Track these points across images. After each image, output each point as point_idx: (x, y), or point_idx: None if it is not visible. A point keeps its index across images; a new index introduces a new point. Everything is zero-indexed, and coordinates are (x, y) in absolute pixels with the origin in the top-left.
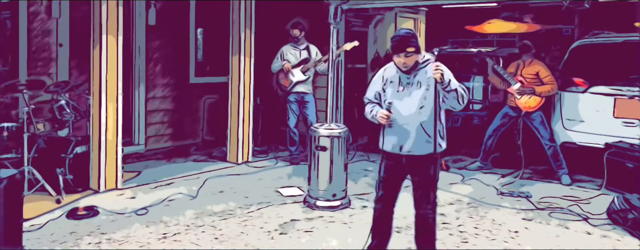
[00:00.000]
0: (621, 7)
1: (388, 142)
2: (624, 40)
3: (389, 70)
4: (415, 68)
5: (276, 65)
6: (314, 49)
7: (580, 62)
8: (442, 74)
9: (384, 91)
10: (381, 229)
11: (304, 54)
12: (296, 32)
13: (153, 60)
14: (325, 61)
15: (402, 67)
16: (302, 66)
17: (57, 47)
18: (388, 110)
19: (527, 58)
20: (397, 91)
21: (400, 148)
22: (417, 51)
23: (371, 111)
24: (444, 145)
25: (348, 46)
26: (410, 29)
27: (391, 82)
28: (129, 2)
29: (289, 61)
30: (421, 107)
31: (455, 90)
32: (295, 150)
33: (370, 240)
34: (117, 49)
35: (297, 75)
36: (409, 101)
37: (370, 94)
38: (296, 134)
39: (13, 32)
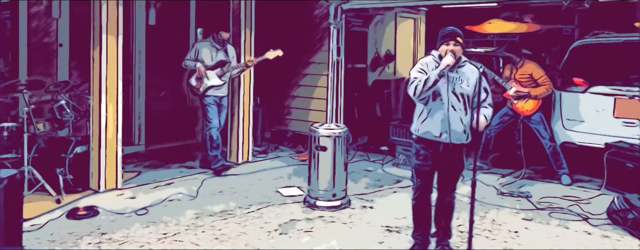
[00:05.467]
0: (621, 7)
1: (426, 129)
2: (624, 40)
3: (429, 63)
4: (457, 63)
5: (189, 63)
6: (232, 51)
7: (580, 62)
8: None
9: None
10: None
11: (221, 56)
12: (226, 35)
13: (153, 60)
14: (245, 66)
15: (451, 56)
16: (218, 69)
17: (57, 47)
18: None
19: (518, 60)
20: (443, 83)
21: (440, 135)
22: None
23: (424, 79)
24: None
25: (270, 55)
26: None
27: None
28: (129, 2)
29: (203, 61)
30: (463, 100)
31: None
32: (220, 154)
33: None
34: (117, 49)
35: (212, 79)
36: (453, 92)
37: (415, 73)
38: (219, 137)
39: (13, 32)
